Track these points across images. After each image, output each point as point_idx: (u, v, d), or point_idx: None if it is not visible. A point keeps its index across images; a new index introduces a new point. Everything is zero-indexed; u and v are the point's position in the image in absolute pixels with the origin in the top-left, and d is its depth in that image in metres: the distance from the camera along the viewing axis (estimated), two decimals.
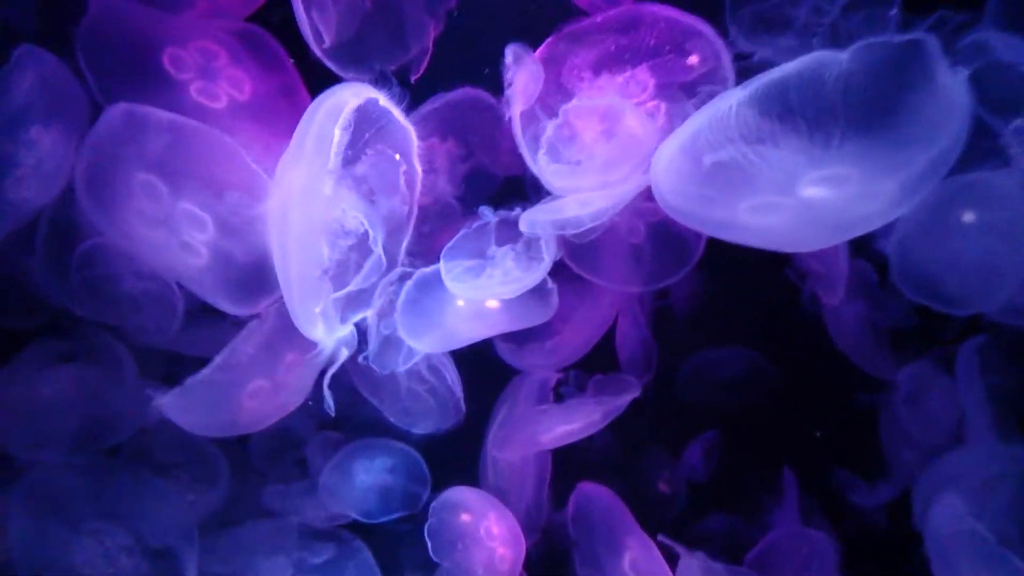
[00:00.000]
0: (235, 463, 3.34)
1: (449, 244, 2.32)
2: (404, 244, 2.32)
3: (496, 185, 2.75)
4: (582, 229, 2.12)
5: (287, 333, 2.41)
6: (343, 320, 2.26)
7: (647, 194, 2.18)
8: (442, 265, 2.28)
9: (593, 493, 3.14)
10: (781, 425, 3.55)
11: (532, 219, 2.19)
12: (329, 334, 2.23)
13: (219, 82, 2.63)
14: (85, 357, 3.03)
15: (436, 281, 2.32)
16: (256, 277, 2.33)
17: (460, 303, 2.35)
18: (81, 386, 3.02)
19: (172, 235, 2.28)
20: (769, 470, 3.54)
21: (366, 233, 2.26)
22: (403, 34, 2.51)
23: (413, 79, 2.58)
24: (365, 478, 3.35)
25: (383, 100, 2.13)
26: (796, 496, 3.45)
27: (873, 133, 1.70)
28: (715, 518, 3.62)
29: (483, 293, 2.33)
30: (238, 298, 2.36)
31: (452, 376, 2.75)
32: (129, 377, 3.01)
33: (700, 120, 1.84)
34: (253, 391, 2.61)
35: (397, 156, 2.28)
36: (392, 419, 2.91)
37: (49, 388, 3.03)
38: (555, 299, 2.40)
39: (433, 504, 3.03)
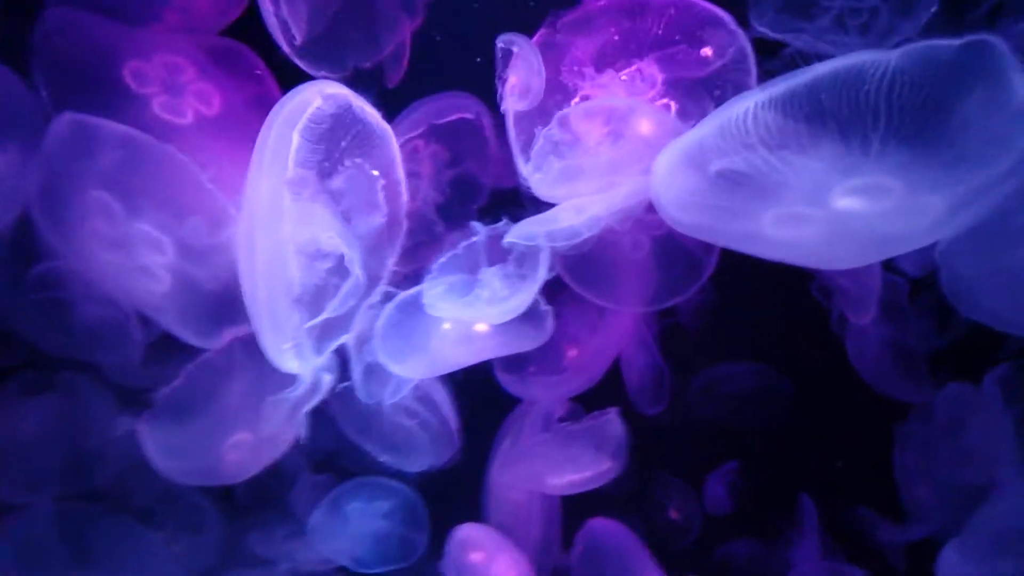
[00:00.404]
0: (222, 506, 3.15)
1: (436, 263, 2.07)
2: (388, 263, 2.08)
3: (484, 196, 2.52)
4: (578, 240, 1.86)
5: (270, 380, 2.19)
6: (319, 349, 2.02)
7: (651, 205, 1.95)
8: (425, 284, 2.04)
9: (604, 531, 2.88)
10: (796, 446, 3.33)
11: (523, 231, 1.95)
12: (304, 365, 2.00)
13: (185, 97, 2.46)
14: (66, 389, 2.86)
15: (420, 303, 2.08)
16: (223, 306, 2.13)
17: (446, 326, 2.11)
18: (64, 419, 2.87)
19: (130, 258, 2.08)
20: (785, 495, 3.32)
21: (342, 255, 2.03)
22: (374, 29, 2.29)
23: (393, 80, 2.36)
24: (359, 523, 3.12)
25: (355, 99, 1.90)
26: (816, 525, 3.21)
27: (922, 142, 1.48)
28: (733, 547, 3.37)
29: (468, 315, 2.09)
30: (203, 328, 2.17)
31: (445, 405, 2.51)
32: (111, 408, 2.82)
33: (711, 125, 1.61)
34: (235, 443, 2.41)
35: (375, 172, 2.05)
36: (382, 459, 2.66)
37: (31, 424, 2.87)
38: (550, 323, 2.16)
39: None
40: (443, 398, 2.55)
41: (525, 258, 2.02)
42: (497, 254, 2.05)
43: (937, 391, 2.97)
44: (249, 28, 2.49)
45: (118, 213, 2.05)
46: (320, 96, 1.83)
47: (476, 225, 2.04)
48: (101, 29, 2.41)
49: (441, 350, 2.15)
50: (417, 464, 2.68)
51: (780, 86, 1.50)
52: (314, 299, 2.02)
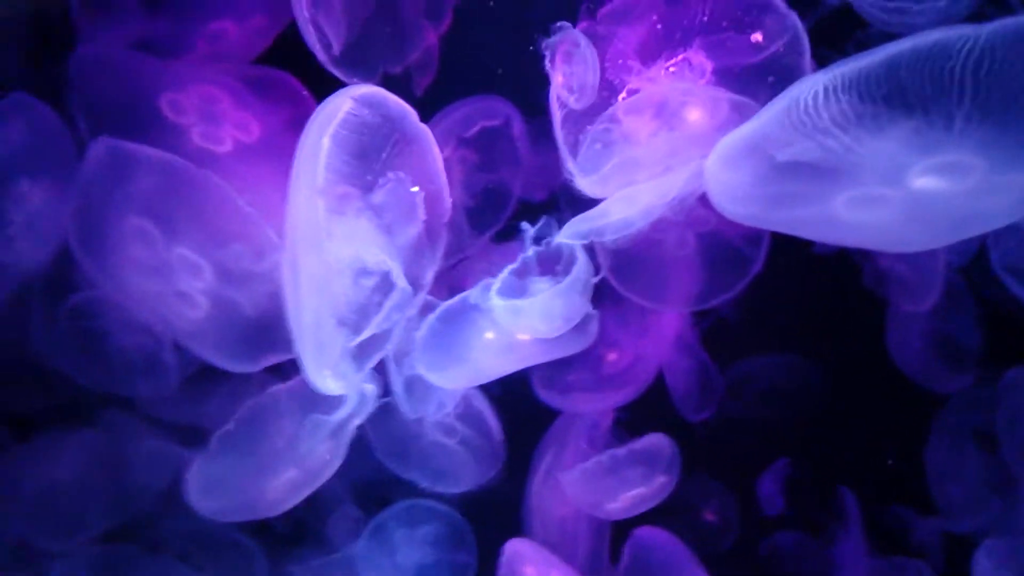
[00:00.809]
0: (260, 540, 3.06)
1: (497, 280, 2.02)
2: (429, 275, 2.04)
3: (514, 204, 2.49)
4: (632, 230, 1.82)
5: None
6: (361, 366, 1.98)
7: (696, 201, 1.92)
8: (495, 302, 1.99)
9: (651, 540, 2.79)
10: (830, 442, 3.23)
11: (574, 229, 1.91)
12: (346, 385, 1.95)
13: (223, 126, 2.45)
14: (106, 428, 2.81)
15: (461, 312, 2.04)
16: (261, 332, 2.07)
17: (489, 335, 2.04)
18: (104, 459, 2.82)
19: (168, 284, 2.04)
20: (823, 491, 3.23)
21: (388, 270, 1.98)
22: (402, 35, 2.28)
23: (422, 86, 2.35)
24: (407, 552, 3.04)
25: (389, 97, 1.84)
26: (859, 518, 3.12)
27: (1008, 119, 1.44)
28: (778, 545, 3.27)
29: (525, 328, 2.06)
30: (241, 354, 2.10)
31: (487, 418, 2.46)
32: (148, 443, 2.79)
33: (775, 111, 1.57)
34: (284, 482, 2.33)
35: (415, 188, 1.99)
36: (423, 484, 2.61)
37: (67, 468, 2.82)
38: (594, 327, 2.09)
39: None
40: (484, 409, 2.50)
41: (573, 265, 1.99)
42: (547, 263, 2.02)
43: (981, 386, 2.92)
44: (283, 52, 2.53)
45: (157, 238, 2.03)
46: (351, 99, 1.76)
47: (525, 228, 2.01)
48: (134, 63, 2.42)
49: (483, 360, 2.09)
50: (461, 484, 2.61)
51: (851, 66, 1.46)
52: (359, 317, 1.97)
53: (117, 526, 2.85)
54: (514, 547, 2.66)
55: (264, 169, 2.36)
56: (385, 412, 2.24)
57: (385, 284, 1.97)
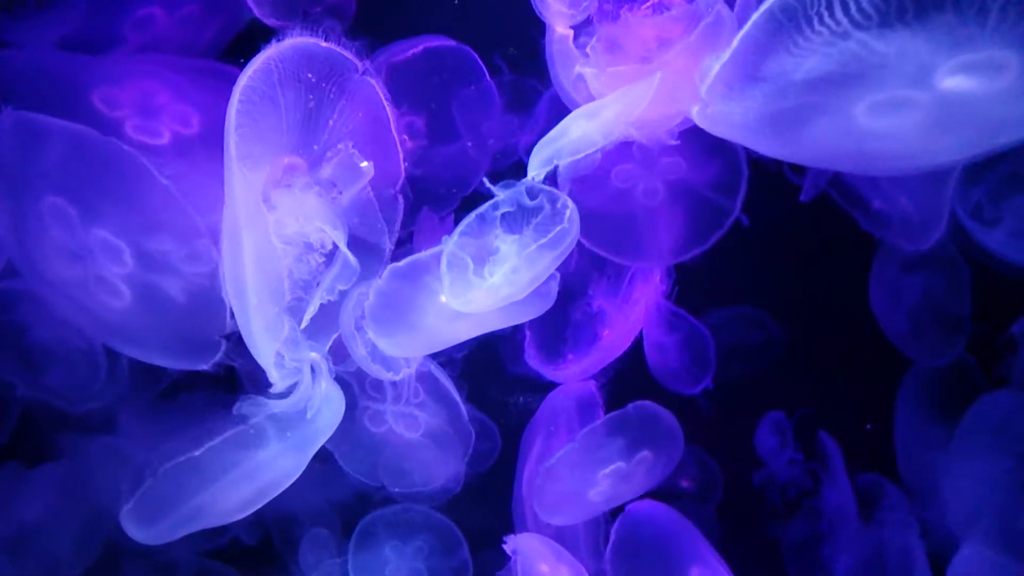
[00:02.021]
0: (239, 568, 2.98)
1: (452, 236, 1.85)
2: (387, 241, 1.88)
3: (480, 171, 2.32)
4: (593, 148, 1.63)
5: None
6: (311, 342, 1.81)
7: (664, 148, 1.74)
8: (444, 264, 1.81)
9: (647, 516, 2.52)
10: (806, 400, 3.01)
11: (539, 157, 1.73)
12: (294, 365, 1.78)
13: (161, 118, 2.29)
14: (71, 454, 2.69)
15: (413, 274, 1.86)
16: (193, 323, 1.89)
17: (443, 298, 1.84)
18: (75, 488, 2.69)
19: (89, 270, 1.86)
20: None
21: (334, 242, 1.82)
22: None
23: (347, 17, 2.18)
24: (398, 566, 2.84)
25: (324, 44, 1.70)
26: (841, 458, 2.89)
27: None
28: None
29: (485, 296, 1.87)
30: (176, 349, 1.92)
31: (453, 400, 2.26)
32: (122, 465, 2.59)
33: (777, 18, 1.41)
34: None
35: (364, 164, 1.85)
36: (395, 488, 2.41)
37: (33, 508, 2.66)
38: (555, 288, 1.92)
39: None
40: (448, 391, 2.29)
41: (542, 227, 1.82)
42: (513, 221, 1.83)
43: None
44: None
45: (74, 219, 1.85)
46: (275, 47, 1.64)
47: (490, 187, 1.81)
48: (62, 61, 2.29)
49: (437, 326, 1.90)
50: (435, 478, 2.41)
51: None
52: (305, 293, 1.81)
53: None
54: (527, 543, 2.43)
55: (206, 161, 2.22)
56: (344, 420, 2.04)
57: (332, 257, 1.83)
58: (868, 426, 2.99)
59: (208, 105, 2.36)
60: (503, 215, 1.80)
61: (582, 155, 1.68)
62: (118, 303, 1.87)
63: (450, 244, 1.80)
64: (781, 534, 3.03)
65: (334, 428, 1.98)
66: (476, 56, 2.23)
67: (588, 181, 1.98)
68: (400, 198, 1.90)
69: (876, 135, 1.53)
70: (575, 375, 2.55)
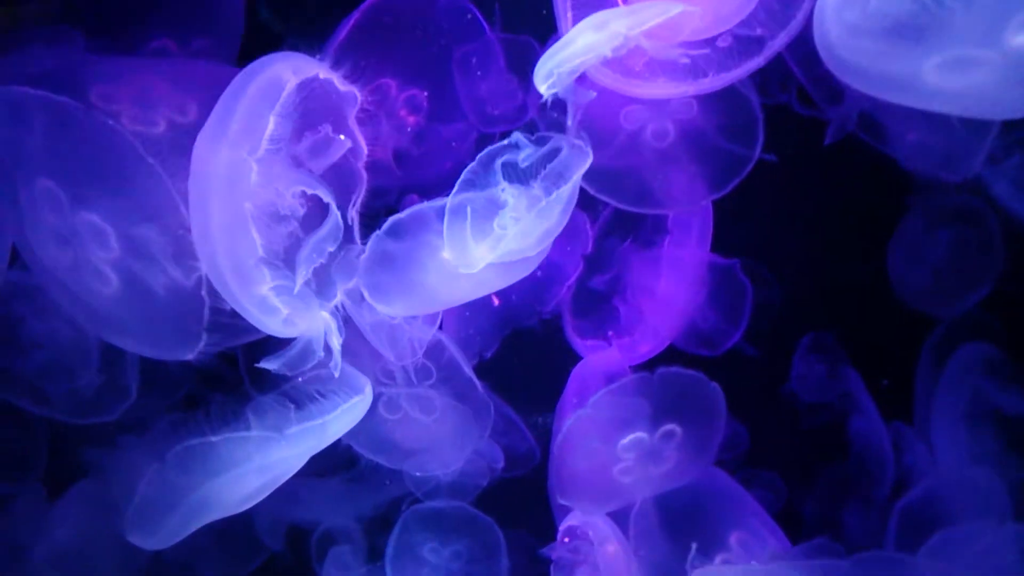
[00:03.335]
0: None
1: (455, 189, 1.77)
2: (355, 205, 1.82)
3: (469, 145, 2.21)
4: (598, 58, 1.53)
5: None
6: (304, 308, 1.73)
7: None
8: (446, 218, 1.73)
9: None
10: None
11: (544, 71, 1.65)
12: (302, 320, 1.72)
13: (159, 109, 2.25)
14: (95, 471, 2.59)
15: (414, 226, 1.75)
16: (187, 308, 1.82)
17: (445, 255, 1.75)
18: (102, 508, 2.55)
19: (80, 256, 1.82)
20: None
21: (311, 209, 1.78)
22: None
23: None
24: (435, 568, 2.70)
25: (323, 73, 1.75)
26: (866, 392, 2.72)
27: None
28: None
29: (490, 253, 1.76)
30: (164, 338, 1.86)
31: (465, 373, 2.13)
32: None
33: None
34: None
35: (342, 136, 1.85)
36: (417, 472, 2.30)
37: (63, 528, 2.58)
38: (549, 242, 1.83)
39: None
40: (460, 364, 2.17)
41: (550, 177, 1.70)
42: (519, 173, 1.74)
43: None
44: None
45: (63, 202, 1.80)
46: (294, 75, 1.70)
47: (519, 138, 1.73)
48: (61, 61, 2.28)
49: (436, 284, 1.80)
50: (456, 458, 2.29)
51: None
52: (286, 259, 1.77)
53: None
54: (597, 528, 2.26)
55: None
56: None
57: (310, 222, 1.80)
58: (885, 381, 2.81)
59: (208, 97, 2.32)
60: (509, 166, 1.73)
61: (586, 65, 1.60)
62: (106, 290, 1.83)
63: (452, 196, 1.70)
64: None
65: (356, 420, 1.92)
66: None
67: (596, 126, 1.86)
68: (364, 173, 1.86)
69: (947, 94, 1.48)
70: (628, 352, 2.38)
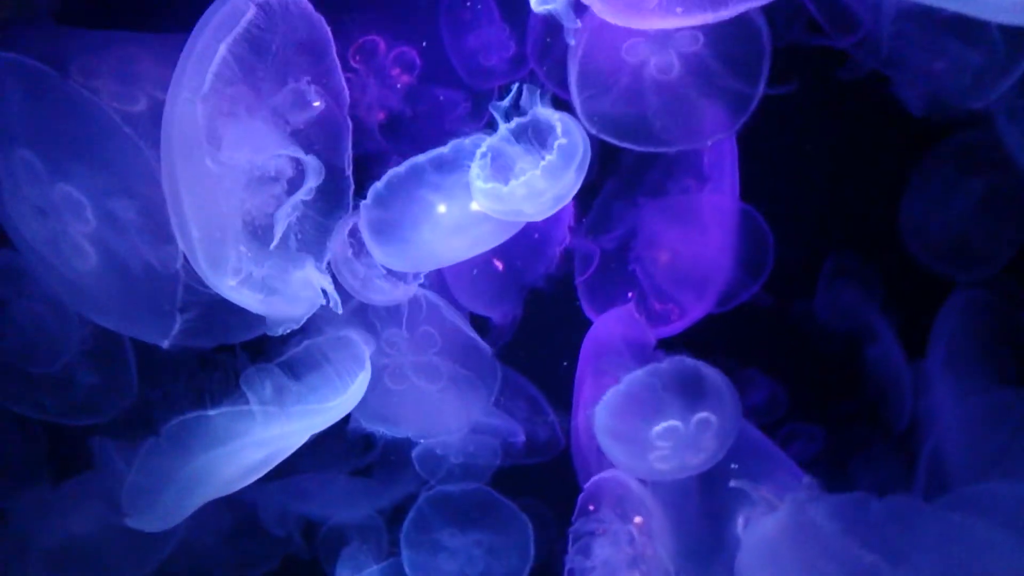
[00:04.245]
0: None
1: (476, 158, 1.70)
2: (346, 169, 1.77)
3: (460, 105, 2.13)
4: None
5: None
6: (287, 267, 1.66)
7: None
8: (476, 185, 1.66)
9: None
10: None
11: None
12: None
13: (140, 84, 2.18)
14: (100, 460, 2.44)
15: (411, 179, 1.68)
16: (154, 290, 1.77)
17: (442, 208, 1.68)
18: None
19: (59, 230, 1.76)
20: None
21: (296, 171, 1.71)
22: None
23: None
24: (457, 556, 2.60)
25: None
26: (883, 320, 2.57)
27: None
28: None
29: (507, 212, 1.70)
30: (142, 318, 1.80)
31: (469, 338, 2.05)
32: None
33: None
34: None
35: (317, 103, 1.77)
36: (420, 439, 2.20)
37: (78, 522, 2.49)
38: None
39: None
40: (464, 329, 2.09)
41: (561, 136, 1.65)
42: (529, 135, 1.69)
43: None
44: None
45: (41, 172, 1.74)
46: (254, 5, 1.59)
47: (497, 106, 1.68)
48: (42, 34, 2.22)
49: (434, 239, 1.74)
50: (461, 423, 2.20)
51: None
52: (266, 221, 1.70)
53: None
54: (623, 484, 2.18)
55: None
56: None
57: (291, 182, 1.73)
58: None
59: None
60: (521, 136, 1.69)
61: None
62: (84, 265, 1.77)
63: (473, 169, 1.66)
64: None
65: (359, 397, 1.86)
66: None
67: (598, 61, 1.77)
68: (348, 121, 1.79)
69: None
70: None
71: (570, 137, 1.66)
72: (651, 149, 1.86)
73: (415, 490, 2.66)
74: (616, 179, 2.37)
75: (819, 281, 2.62)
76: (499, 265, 2.31)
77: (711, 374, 2.07)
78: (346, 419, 2.59)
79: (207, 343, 1.97)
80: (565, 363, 2.48)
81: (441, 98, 2.09)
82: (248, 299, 1.65)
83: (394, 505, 2.76)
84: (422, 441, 2.27)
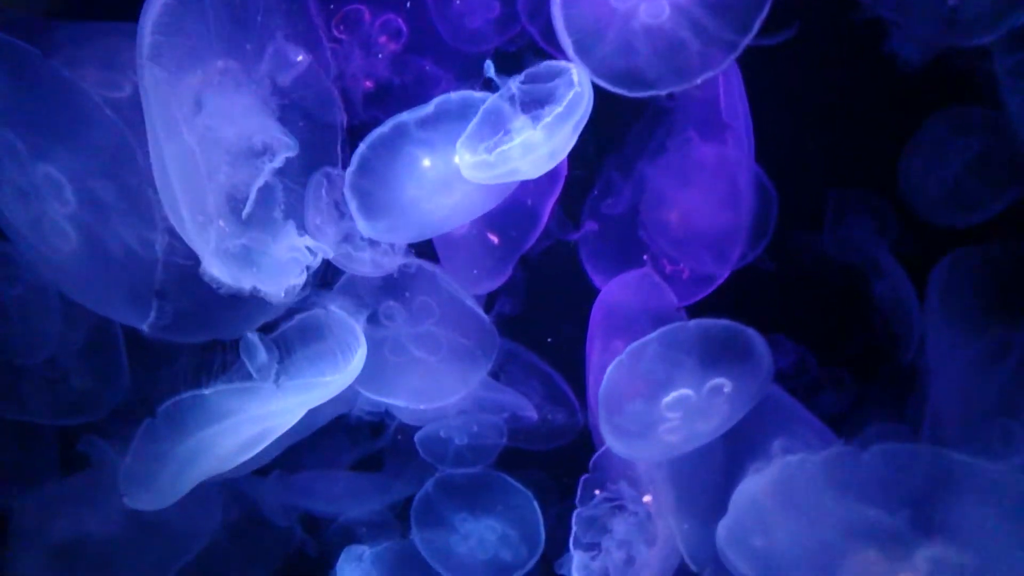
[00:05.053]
0: None
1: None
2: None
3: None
4: None
5: None
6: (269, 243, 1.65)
7: None
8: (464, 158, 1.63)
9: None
10: None
11: None
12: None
13: (125, 72, 2.17)
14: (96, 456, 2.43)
15: (397, 138, 1.65)
16: (133, 272, 1.76)
17: (426, 162, 1.65)
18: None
19: (40, 211, 1.75)
20: None
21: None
22: None
23: None
24: (466, 534, 2.56)
25: None
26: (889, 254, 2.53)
27: None
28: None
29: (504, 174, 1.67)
30: (122, 302, 1.79)
31: (468, 307, 2.01)
32: None
33: None
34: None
35: (300, 57, 1.77)
36: (413, 406, 2.16)
37: (94, 521, 2.46)
38: None
39: None
40: (462, 299, 2.06)
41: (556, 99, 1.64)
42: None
43: None
44: None
45: (22, 153, 1.73)
46: None
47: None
48: (26, 27, 2.21)
49: (421, 199, 1.71)
50: (457, 390, 2.15)
51: None
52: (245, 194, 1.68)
53: None
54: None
55: None
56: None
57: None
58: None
59: None
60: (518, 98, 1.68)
61: None
62: (66, 246, 1.76)
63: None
64: None
65: (357, 371, 1.83)
66: None
67: (587, 11, 1.74)
68: (335, 90, 1.79)
69: None
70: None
71: (572, 86, 1.63)
72: (645, 94, 1.81)
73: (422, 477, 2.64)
74: (615, 156, 2.34)
75: (827, 215, 2.57)
76: (494, 239, 2.27)
77: (731, 332, 1.97)
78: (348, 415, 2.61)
79: (193, 336, 1.95)
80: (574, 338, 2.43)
81: (427, 68, 2.06)
82: (233, 273, 1.64)
83: (406, 500, 2.71)
84: (421, 407, 2.21)
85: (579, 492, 2.26)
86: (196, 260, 1.82)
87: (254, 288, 1.68)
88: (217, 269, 1.62)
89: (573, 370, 2.47)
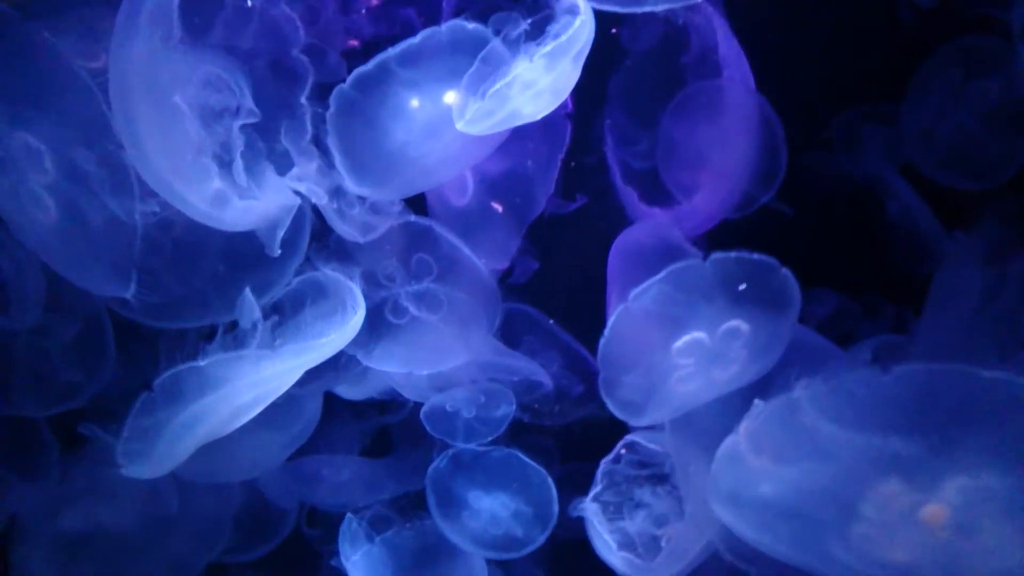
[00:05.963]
0: None
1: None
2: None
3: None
4: None
5: None
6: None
7: None
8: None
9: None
10: None
11: None
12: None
13: (103, 43, 2.13)
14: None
15: (381, 77, 1.58)
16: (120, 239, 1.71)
17: (414, 103, 1.57)
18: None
19: (18, 180, 1.71)
20: None
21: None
22: None
23: None
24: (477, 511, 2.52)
25: None
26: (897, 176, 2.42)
27: None
28: None
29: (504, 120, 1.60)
30: (101, 273, 1.74)
31: (469, 265, 1.95)
32: None
33: None
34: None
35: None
36: (415, 371, 2.10)
37: (106, 511, 2.42)
38: None
39: None
40: (464, 256, 1.99)
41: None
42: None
43: None
44: None
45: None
46: None
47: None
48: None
49: (410, 142, 1.63)
50: (458, 356, 2.08)
51: None
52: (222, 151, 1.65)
53: None
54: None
55: None
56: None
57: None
58: None
59: None
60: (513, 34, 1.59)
61: None
62: (46, 219, 1.74)
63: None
64: None
65: (354, 332, 1.80)
66: None
67: None
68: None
69: None
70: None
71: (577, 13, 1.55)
72: (643, 9, 1.72)
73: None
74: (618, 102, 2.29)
75: (835, 132, 2.49)
76: (498, 208, 2.20)
77: (747, 266, 1.77)
78: (353, 405, 2.55)
79: (180, 317, 1.92)
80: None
81: (413, 17, 2.00)
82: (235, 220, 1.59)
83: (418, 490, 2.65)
84: (425, 372, 2.14)
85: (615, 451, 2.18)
86: (180, 228, 1.79)
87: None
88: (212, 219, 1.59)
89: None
